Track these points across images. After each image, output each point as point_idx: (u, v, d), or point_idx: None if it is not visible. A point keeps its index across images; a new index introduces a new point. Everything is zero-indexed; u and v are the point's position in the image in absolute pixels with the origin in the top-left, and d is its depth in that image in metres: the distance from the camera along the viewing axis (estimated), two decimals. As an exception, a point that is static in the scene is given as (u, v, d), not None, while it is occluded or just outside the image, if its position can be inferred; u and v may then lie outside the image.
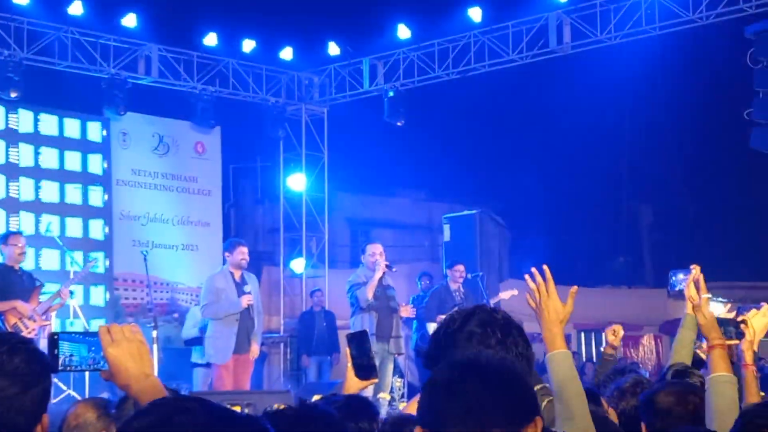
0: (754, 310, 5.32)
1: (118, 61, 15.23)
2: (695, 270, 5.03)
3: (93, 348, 2.80)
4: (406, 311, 12.48)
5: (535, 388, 3.85)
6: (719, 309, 5.56)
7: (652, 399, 4.29)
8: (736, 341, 5.14)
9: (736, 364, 5.07)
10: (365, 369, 4.37)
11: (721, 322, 5.10)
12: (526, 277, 3.81)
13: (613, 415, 4.90)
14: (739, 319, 5.22)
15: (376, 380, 4.50)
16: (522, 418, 2.26)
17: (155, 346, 11.45)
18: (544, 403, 3.77)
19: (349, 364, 4.42)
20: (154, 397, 2.70)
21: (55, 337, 2.81)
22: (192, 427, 1.73)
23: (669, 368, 5.17)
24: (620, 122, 19.15)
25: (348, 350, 4.37)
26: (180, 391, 5.46)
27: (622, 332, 6.90)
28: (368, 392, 7.92)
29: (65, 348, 2.78)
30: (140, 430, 1.75)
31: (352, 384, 4.44)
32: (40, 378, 2.45)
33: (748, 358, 5.02)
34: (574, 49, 14.97)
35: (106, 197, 15.68)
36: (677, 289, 5.10)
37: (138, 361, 2.82)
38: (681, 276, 5.08)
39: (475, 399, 2.22)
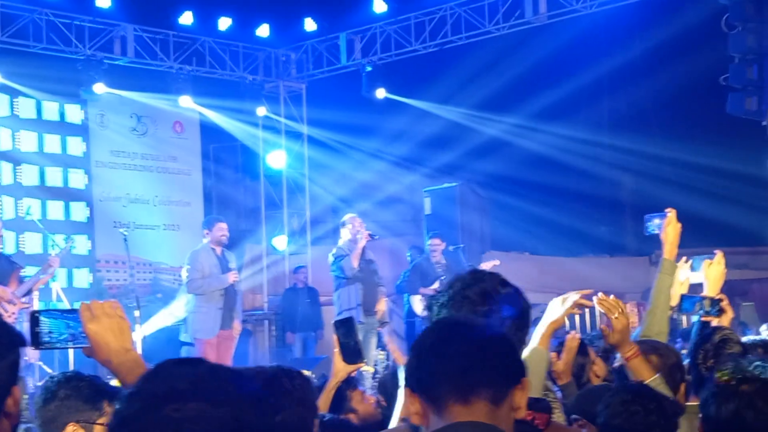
0: (707, 261, 5.33)
1: (93, 42, 15.16)
2: (671, 213, 5.03)
3: (72, 324, 2.83)
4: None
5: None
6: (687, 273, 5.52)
7: None
8: (716, 318, 5.16)
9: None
10: (352, 354, 4.43)
11: (696, 301, 5.12)
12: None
13: (599, 365, 4.94)
14: (717, 297, 5.24)
15: (363, 364, 4.55)
16: (509, 379, 2.28)
17: (137, 326, 11.46)
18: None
19: (336, 350, 4.46)
20: (135, 371, 2.73)
21: (36, 314, 2.84)
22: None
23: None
24: (598, 92, 19.16)
25: (335, 336, 4.42)
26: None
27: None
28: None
29: (45, 325, 2.81)
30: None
31: (340, 368, 4.48)
32: (7, 350, 2.46)
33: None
34: (550, 19, 14.98)
35: (87, 180, 15.63)
36: (653, 232, 5.09)
37: (118, 336, 2.85)
38: (657, 221, 5.08)
39: (462, 360, 2.24)
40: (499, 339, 2.33)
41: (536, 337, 3.72)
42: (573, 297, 3.74)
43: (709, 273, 5.34)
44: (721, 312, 5.18)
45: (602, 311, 4.02)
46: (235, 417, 1.72)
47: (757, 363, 3.40)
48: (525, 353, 3.69)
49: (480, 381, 2.23)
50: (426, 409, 2.27)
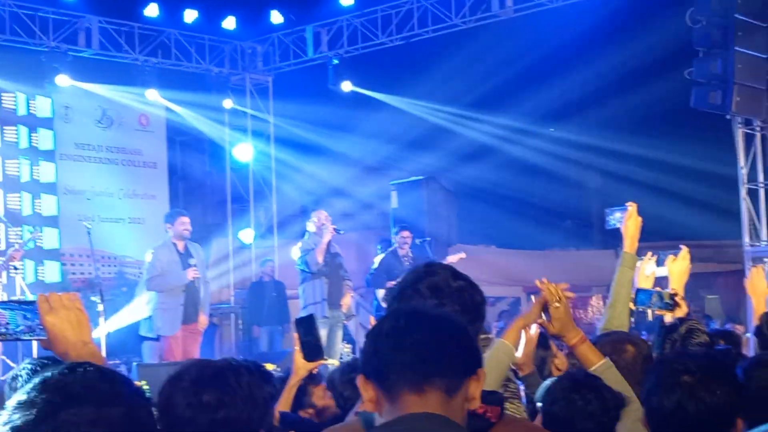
0: (671, 256, 5.36)
1: (57, 34, 15.03)
2: (632, 207, 5.05)
3: (29, 316, 2.80)
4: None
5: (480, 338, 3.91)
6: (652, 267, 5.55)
7: None
8: (669, 312, 5.18)
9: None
10: (313, 351, 4.43)
11: (651, 294, 5.14)
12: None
13: (561, 359, 4.95)
14: (672, 291, 5.27)
15: (324, 361, 4.54)
16: (464, 369, 2.27)
17: (101, 320, 11.38)
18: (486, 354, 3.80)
19: (297, 348, 4.45)
20: (93, 363, 2.70)
21: (-8, 306, 2.80)
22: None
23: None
24: (565, 86, 19.21)
25: (296, 334, 4.41)
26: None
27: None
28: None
29: (2, 317, 2.77)
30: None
31: (300, 366, 4.48)
32: None
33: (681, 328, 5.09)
34: (516, 12, 15.00)
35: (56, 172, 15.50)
36: (614, 226, 5.11)
37: (77, 328, 2.82)
38: (618, 214, 5.10)
39: (417, 348, 2.22)
40: (455, 329, 2.31)
41: (505, 331, 3.72)
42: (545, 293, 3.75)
43: (673, 268, 5.36)
44: (675, 306, 5.21)
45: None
46: (130, 415, 1.75)
47: (699, 354, 3.43)
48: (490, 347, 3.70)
49: (434, 371, 2.22)
50: (380, 396, 2.25)
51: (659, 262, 5.42)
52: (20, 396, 1.75)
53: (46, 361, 3.59)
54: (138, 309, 13.18)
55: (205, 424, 2.59)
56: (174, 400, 2.62)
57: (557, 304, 3.79)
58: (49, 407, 1.71)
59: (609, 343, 4.29)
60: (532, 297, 3.91)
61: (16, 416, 1.73)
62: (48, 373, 1.79)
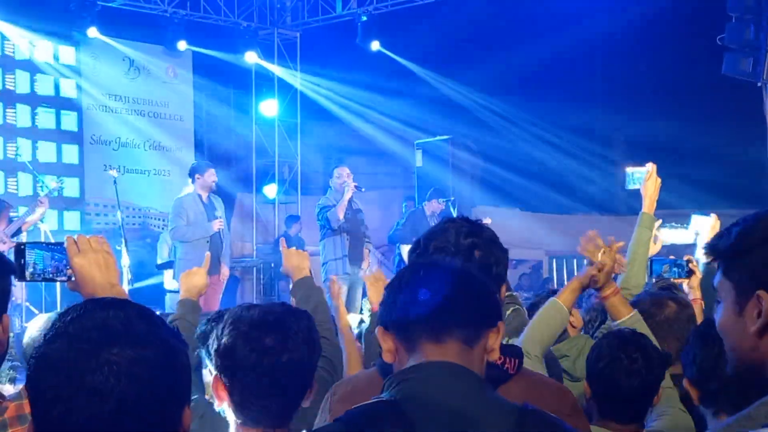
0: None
1: (87, -17, 15.00)
2: (651, 168, 5.02)
3: (57, 257, 2.82)
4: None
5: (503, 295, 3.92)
6: (677, 234, 5.52)
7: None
8: (685, 279, 5.19)
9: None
10: None
11: (664, 264, 5.14)
12: None
13: (576, 317, 4.96)
14: (686, 258, 5.26)
15: None
16: (484, 321, 2.28)
17: (125, 269, 11.44)
18: (509, 311, 3.82)
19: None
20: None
21: (22, 246, 2.83)
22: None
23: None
24: (592, 50, 19.09)
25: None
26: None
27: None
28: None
29: (30, 257, 2.80)
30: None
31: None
32: None
33: (697, 293, 5.08)
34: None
35: (78, 122, 15.54)
36: (633, 186, 5.08)
37: (104, 270, 2.85)
38: (638, 175, 5.07)
39: (436, 299, 2.23)
40: (475, 281, 2.33)
41: (560, 292, 3.77)
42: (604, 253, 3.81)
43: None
44: (690, 273, 5.20)
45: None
46: (167, 358, 1.76)
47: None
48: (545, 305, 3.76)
49: (453, 321, 2.24)
50: (399, 346, 2.28)
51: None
52: (59, 328, 1.74)
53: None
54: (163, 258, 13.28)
55: (268, 367, 2.61)
56: (235, 343, 2.64)
57: (605, 252, 3.84)
58: (89, 345, 1.70)
59: (650, 298, 4.34)
60: (554, 261, 3.95)
61: (55, 346, 1.72)
62: (86, 308, 1.78)
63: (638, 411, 3.58)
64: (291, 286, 4.48)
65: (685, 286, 5.29)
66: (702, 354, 2.96)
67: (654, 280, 5.21)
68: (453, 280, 2.27)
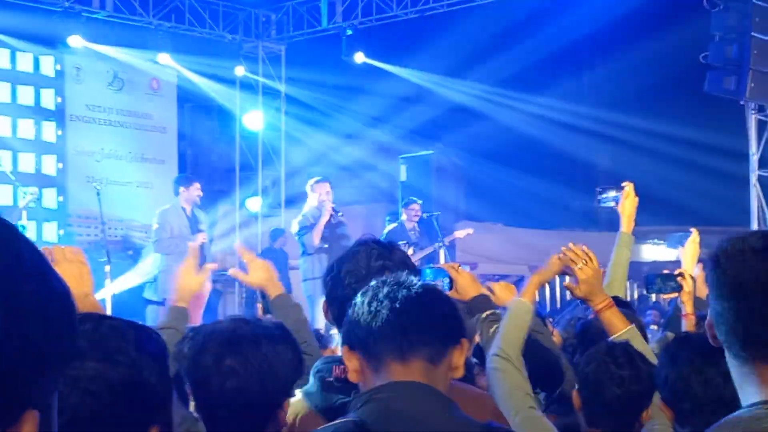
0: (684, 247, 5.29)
1: (71, -6, 14.97)
2: (628, 187, 5.04)
3: (32, 267, 2.79)
4: None
5: (484, 314, 3.91)
6: (659, 251, 5.57)
7: None
8: (675, 294, 5.19)
9: (676, 315, 5.12)
10: None
11: (658, 277, 5.13)
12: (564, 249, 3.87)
13: (555, 335, 4.96)
14: (677, 272, 5.27)
15: None
16: (448, 339, 2.28)
17: (107, 281, 11.39)
18: (491, 329, 3.81)
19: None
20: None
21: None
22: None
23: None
24: (577, 69, 19.18)
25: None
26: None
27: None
28: (321, 327, 7.95)
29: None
30: None
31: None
32: None
33: (688, 308, 5.07)
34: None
35: (59, 132, 15.48)
36: (607, 205, 5.10)
37: (78, 281, 2.84)
38: (612, 193, 5.09)
39: (400, 317, 2.23)
40: (438, 298, 2.33)
41: (522, 289, 3.75)
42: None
43: (684, 251, 5.32)
44: (679, 288, 5.21)
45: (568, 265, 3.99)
46: (132, 377, 1.73)
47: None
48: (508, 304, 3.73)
49: (417, 339, 2.23)
50: (364, 366, 2.28)
51: (671, 245, 5.44)
52: None
53: None
54: (143, 271, 13.21)
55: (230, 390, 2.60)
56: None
57: (580, 266, 3.80)
58: None
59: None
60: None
61: None
62: None
63: (625, 423, 3.53)
64: (263, 301, 4.39)
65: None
66: (673, 374, 2.94)
67: (649, 294, 5.21)
68: (415, 298, 2.26)
